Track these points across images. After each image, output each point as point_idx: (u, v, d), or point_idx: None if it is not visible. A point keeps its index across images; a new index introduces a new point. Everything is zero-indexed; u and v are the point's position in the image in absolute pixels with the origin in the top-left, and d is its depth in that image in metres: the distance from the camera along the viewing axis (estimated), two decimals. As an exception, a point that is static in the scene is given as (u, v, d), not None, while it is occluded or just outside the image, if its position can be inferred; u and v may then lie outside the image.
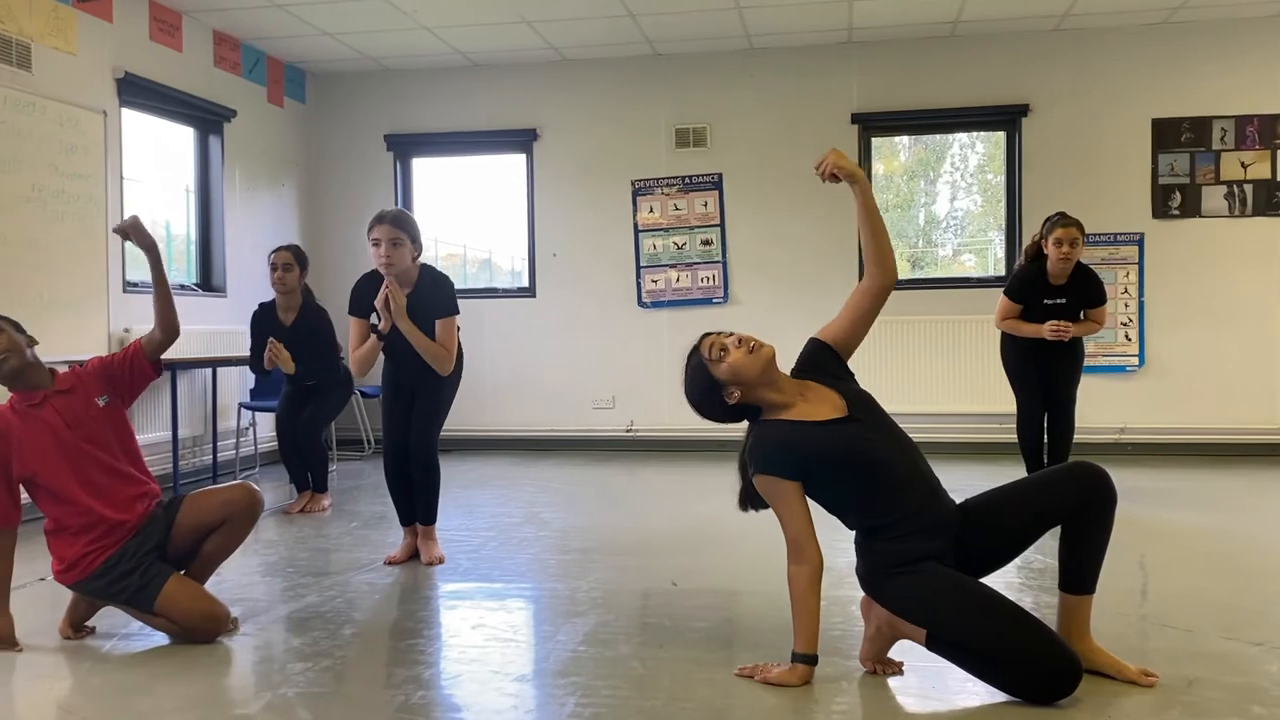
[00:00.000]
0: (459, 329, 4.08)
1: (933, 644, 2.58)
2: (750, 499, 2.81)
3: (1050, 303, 5.06)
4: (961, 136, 7.90)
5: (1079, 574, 2.62)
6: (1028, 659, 2.45)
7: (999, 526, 2.67)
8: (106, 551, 3.07)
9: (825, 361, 2.89)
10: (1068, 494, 2.60)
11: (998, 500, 2.70)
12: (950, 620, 2.53)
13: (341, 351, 5.55)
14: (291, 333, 5.39)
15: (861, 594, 2.79)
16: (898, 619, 2.65)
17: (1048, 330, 4.97)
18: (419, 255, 4.06)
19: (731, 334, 2.79)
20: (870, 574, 2.69)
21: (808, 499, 2.67)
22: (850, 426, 2.68)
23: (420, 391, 4.10)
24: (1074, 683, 2.45)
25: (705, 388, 2.79)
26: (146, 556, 3.09)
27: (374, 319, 3.98)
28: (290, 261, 5.43)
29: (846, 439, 2.66)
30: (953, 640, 2.53)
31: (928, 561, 2.58)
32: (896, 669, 2.73)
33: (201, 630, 3.07)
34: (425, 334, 3.94)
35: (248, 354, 5.54)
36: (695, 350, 2.81)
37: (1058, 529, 2.63)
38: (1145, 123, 7.10)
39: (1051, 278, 5.05)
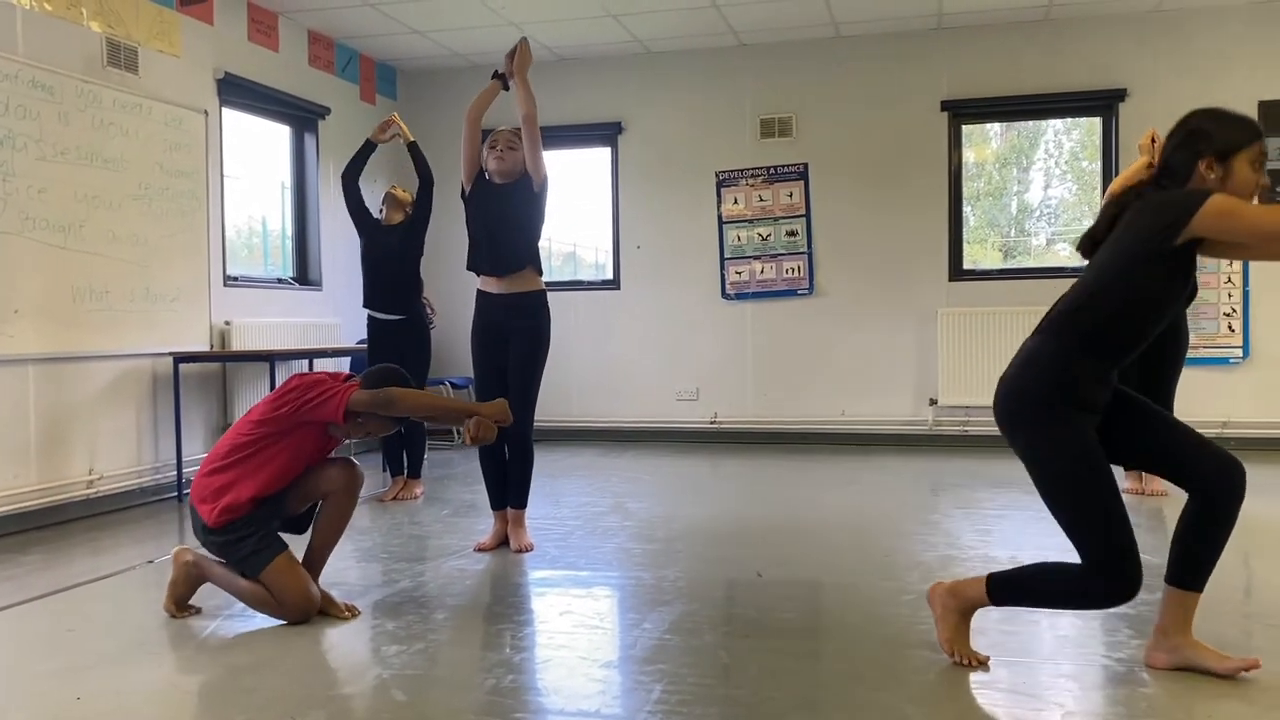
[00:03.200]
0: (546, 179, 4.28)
1: (995, 591, 2.60)
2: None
3: None
4: (1055, 123, 7.70)
5: (1192, 567, 2.54)
6: (1104, 551, 2.44)
7: (1141, 436, 2.59)
8: (241, 512, 3.17)
9: None
10: (1211, 469, 2.51)
11: (1155, 417, 2.61)
12: (1061, 477, 2.49)
13: (424, 289, 5.78)
14: (388, 233, 5.57)
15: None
16: (958, 587, 2.66)
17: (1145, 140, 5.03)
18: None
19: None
20: (1036, 392, 2.53)
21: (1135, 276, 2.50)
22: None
23: (513, 369, 4.18)
24: (1131, 593, 2.45)
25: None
26: (266, 525, 3.22)
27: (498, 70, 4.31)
28: (411, 200, 5.70)
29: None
30: (1049, 497, 2.51)
31: (1084, 415, 2.50)
32: (983, 663, 2.69)
33: (295, 609, 3.17)
34: (519, 212, 4.18)
35: (347, 352, 5.70)
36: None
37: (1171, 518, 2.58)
38: (1251, 106, 6.82)
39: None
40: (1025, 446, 2.56)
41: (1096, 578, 2.48)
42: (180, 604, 3.31)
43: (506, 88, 4.32)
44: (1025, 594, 2.65)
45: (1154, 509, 4.83)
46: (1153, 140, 5.05)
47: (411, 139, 5.63)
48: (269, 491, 3.21)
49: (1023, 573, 2.66)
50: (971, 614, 2.74)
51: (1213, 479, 2.51)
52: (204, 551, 3.33)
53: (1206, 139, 2.53)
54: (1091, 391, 2.52)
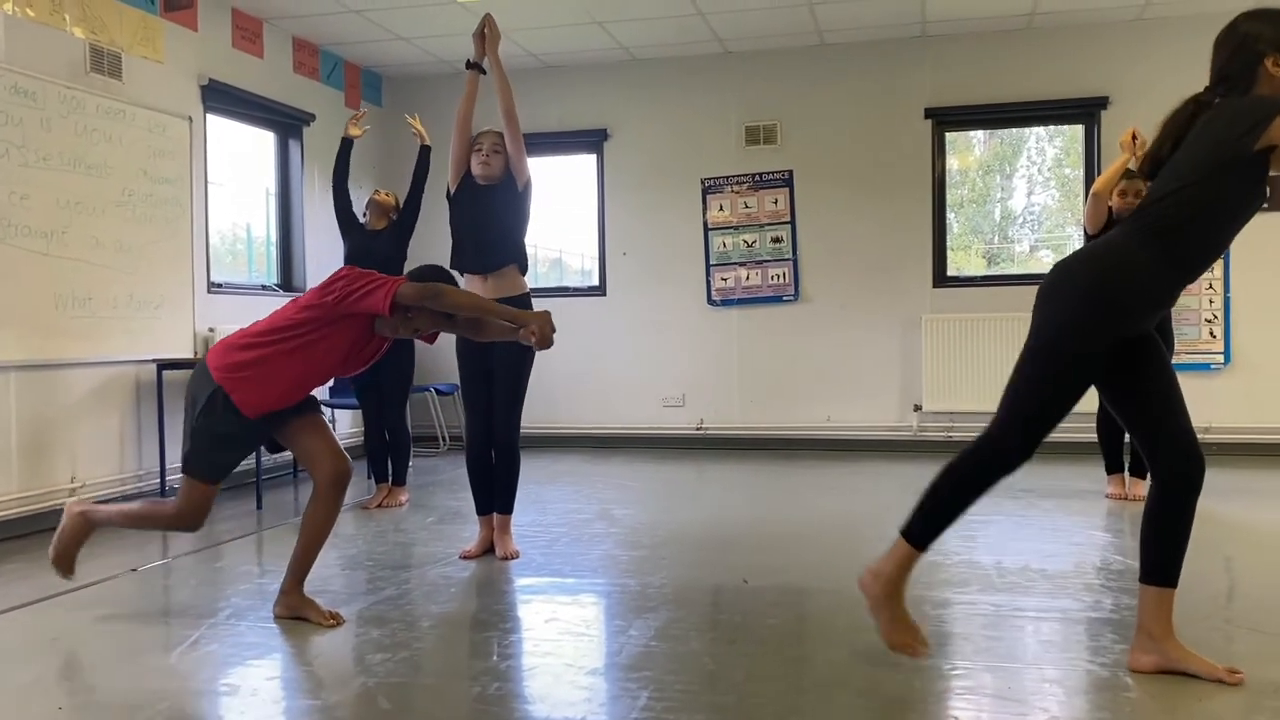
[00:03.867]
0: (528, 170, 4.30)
1: (912, 533, 2.65)
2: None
3: None
4: (1038, 130, 7.75)
5: (1157, 561, 2.57)
6: (1018, 423, 2.56)
7: (1138, 390, 2.60)
8: (247, 411, 3.11)
9: None
10: (1170, 458, 2.54)
11: (1162, 380, 2.59)
12: (1042, 353, 2.55)
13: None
14: (373, 238, 5.62)
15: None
16: (879, 566, 2.64)
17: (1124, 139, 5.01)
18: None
19: None
20: (1084, 277, 2.54)
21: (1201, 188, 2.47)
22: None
23: (498, 374, 4.17)
24: (1016, 458, 2.57)
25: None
26: (250, 440, 3.21)
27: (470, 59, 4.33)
28: (394, 204, 5.73)
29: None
30: (1019, 364, 2.60)
31: (1116, 320, 2.49)
32: (924, 645, 2.62)
33: (190, 516, 3.18)
34: (503, 212, 4.18)
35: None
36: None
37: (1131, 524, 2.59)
38: (1231, 113, 6.88)
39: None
40: (1041, 318, 2.56)
41: (990, 441, 2.58)
42: (68, 560, 3.34)
43: (484, 71, 4.33)
44: (935, 509, 2.64)
45: (1137, 514, 4.85)
46: (1133, 138, 5.08)
47: (429, 143, 5.69)
48: (288, 400, 3.15)
49: (923, 496, 2.67)
50: (903, 586, 2.63)
51: (1168, 468, 2.55)
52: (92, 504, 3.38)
53: (1264, 39, 2.53)
54: (1137, 299, 2.50)
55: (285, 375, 3.13)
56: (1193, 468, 2.53)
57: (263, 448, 3.35)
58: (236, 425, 3.13)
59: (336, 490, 3.30)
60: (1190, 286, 6.97)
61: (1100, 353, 2.52)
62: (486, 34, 4.28)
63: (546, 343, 3.25)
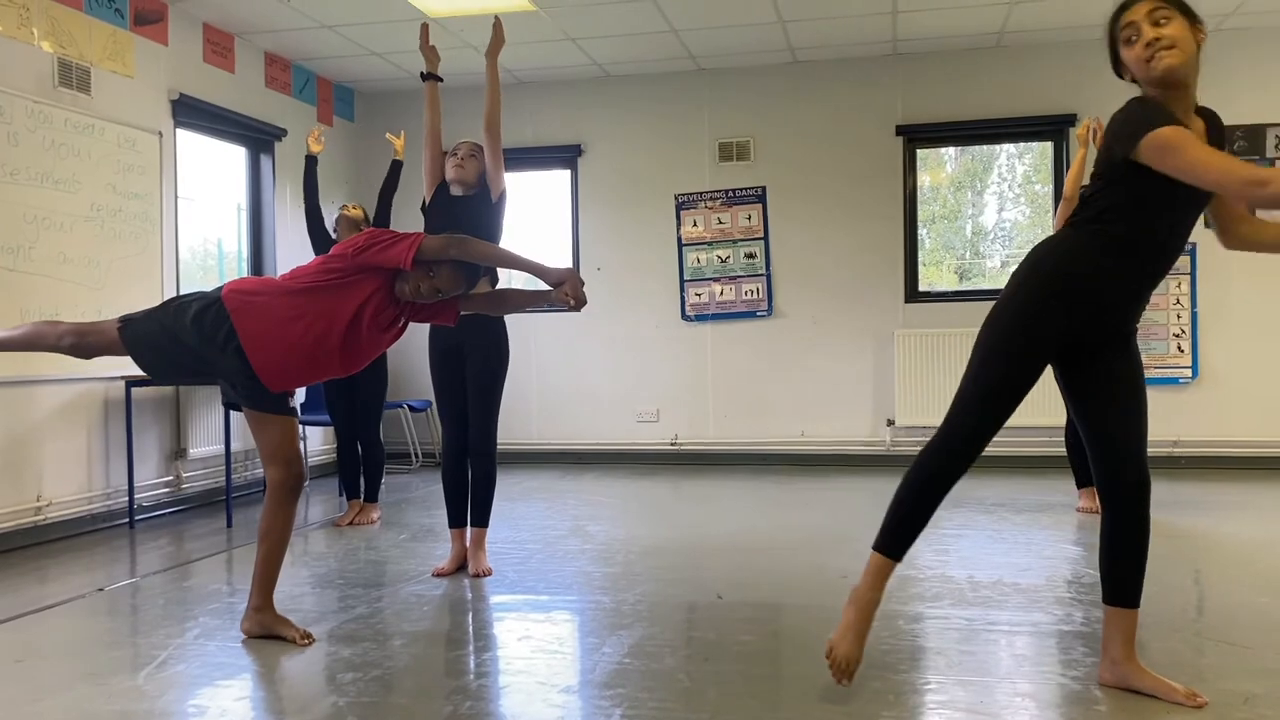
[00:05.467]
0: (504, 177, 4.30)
1: (886, 545, 2.65)
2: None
3: None
4: (1008, 147, 7.83)
5: (1113, 583, 2.58)
6: (955, 421, 2.55)
7: (1100, 401, 2.57)
8: (240, 322, 3.04)
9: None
10: (1114, 481, 2.53)
11: (1127, 399, 2.55)
12: (995, 334, 2.57)
13: None
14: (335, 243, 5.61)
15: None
16: (856, 593, 2.64)
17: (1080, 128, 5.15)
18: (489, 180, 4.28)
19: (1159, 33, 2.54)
20: (1045, 261, 2.62)
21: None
22: None
23: (472, 387, 4.16)
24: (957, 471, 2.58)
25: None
26: (180, 349, 3.10)
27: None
28: (363, 218, 5.69)
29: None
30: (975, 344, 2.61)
31: (1071, 295, 2.51)
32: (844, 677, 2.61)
33: (80, 335, 3.24)
34: (477, 223, 4.09)
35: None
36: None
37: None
38: (1197, 130, 6.98)
39: None
40: (1003, 294, 2.62)
41: (930, 448, 2.60)
42: None
43: (440, 79, 4.36)
44: (900, 515, 2.66)
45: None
46: (1089, 129, 5.15)
47: (402, 158, 5.87)
48: (283, 349, 3.05)
49: (889, 509, 2.69)
50: (877, 600, 2.64)
51: (1112, 491, 2.55)
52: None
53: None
54: (1079, 279, 2.51)
55: (291, 312, 3.04)
56: (1134, 492, 2.52)
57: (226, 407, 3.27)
58: (196, 340, 3.05)
59: (289, 494, 3.26)
60: (1157, 300, 7.08)
61: (1047, 340, 2.51)
62: (491, 40, 4.34)
63: (581, 302, 3.23)
